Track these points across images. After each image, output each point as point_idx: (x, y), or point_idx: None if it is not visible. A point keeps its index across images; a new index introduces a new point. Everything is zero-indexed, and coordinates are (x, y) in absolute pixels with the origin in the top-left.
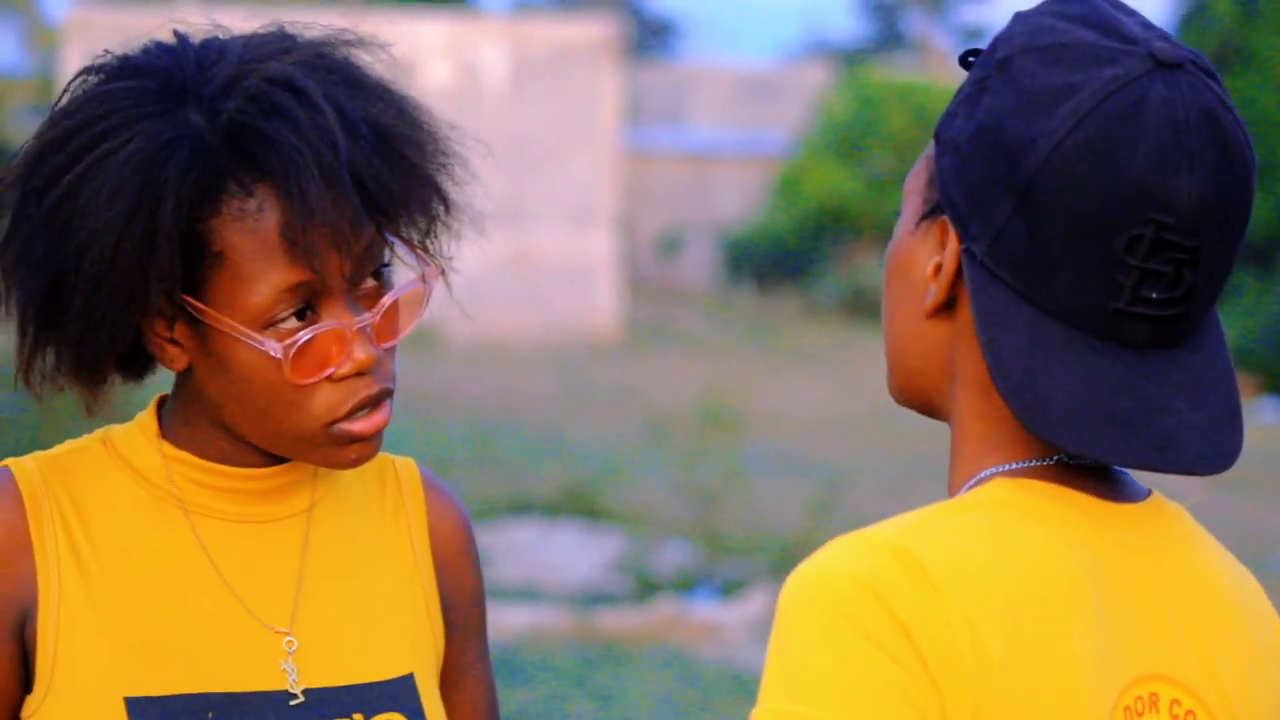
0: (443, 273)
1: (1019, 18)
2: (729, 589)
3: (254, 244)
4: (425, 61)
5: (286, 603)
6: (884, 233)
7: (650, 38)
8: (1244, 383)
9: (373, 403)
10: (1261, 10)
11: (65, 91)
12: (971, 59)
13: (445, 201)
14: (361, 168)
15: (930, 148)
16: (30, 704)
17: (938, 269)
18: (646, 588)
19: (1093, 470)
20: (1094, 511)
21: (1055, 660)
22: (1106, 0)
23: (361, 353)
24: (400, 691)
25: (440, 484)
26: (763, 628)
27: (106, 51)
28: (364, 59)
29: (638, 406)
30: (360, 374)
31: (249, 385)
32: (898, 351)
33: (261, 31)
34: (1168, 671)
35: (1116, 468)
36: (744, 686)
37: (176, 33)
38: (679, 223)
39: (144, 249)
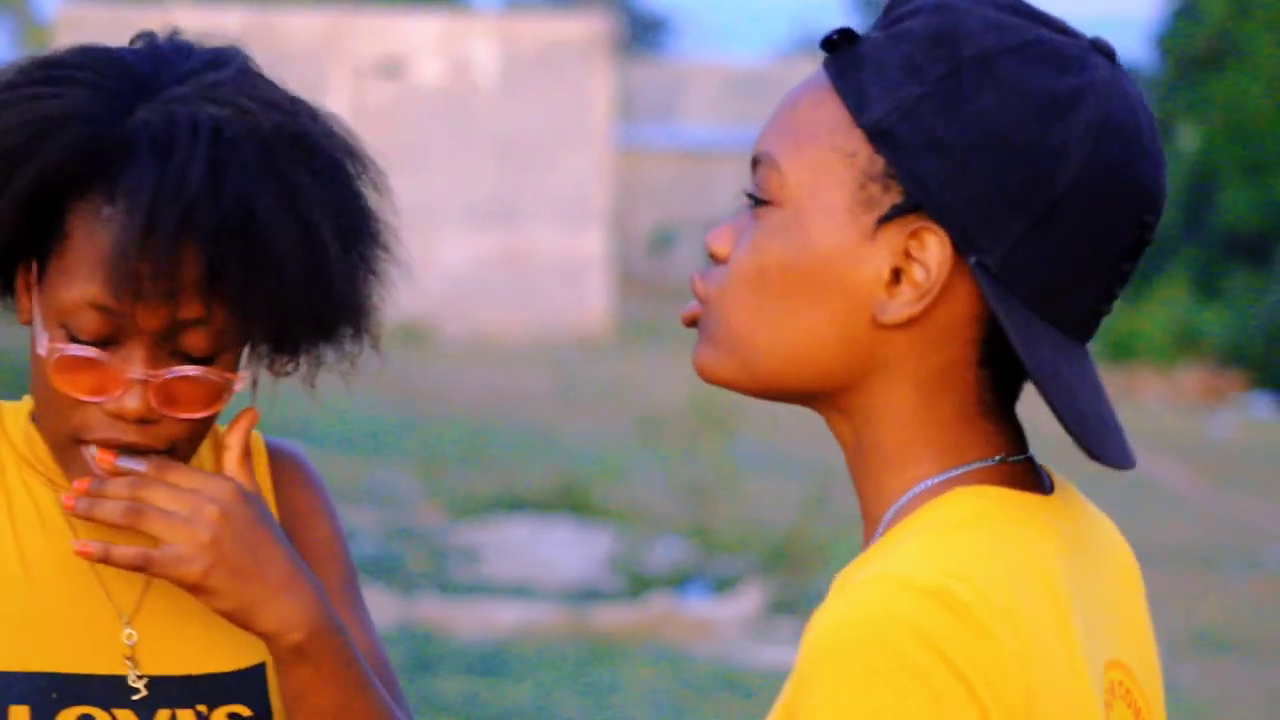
0: (254, 383)
1: (953, 9)
2: (721, 586)
3: (89, 247)
4: (417, 58)
5: (137, 589)
6: None
7: (642, 34)
8: (1235, 378)
9: (125, 449)
10: (1252, 7)
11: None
12: (835, 39)
13: (323, 323)
14: (233, 251)
15: (840, 138)
16: None
17: (896, 275)
18: (639, 585)
19: (1024, 466)
20: (1041, 508)
21: (1072, 671)
22: None
23: (130, 402)
24: (248, 682)
25: (285, 448)
26: (755, 624)
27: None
28: (351, 158)
29: (630, 403)
30: (122, 418)
31: (37, 370)
32: (793, 348)
33: (253, 73)
34: (1119, 656)
35: (1035, 461)
36: (736, 683)
37: (174, 33)
38: (672, 220)
39: (1, 194)
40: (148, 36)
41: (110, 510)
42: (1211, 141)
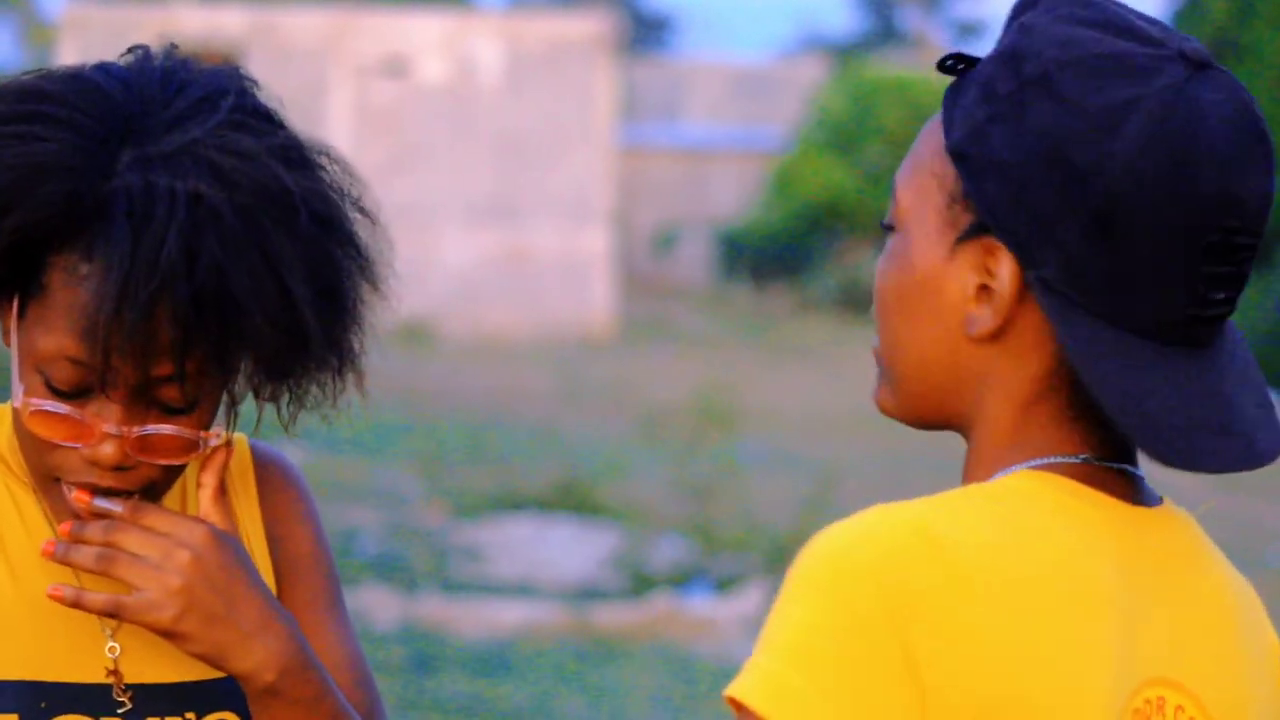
0: (228, 444)
1: (1031, 29)
2: (724, 585)
3: (65, 302)
4: (421, 57)
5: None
6: (879, 229)
7: (646, 33)
8: None
9: (101, 491)
10: (1256, 4)
11: (72, 69)
12: (956, 64)
13: (301, 377)
14: (179, 309)
15: (936, 163)
16: None
17: (981, 292)
18: (641, 584)
19: (1115, 471)
20: (1114, 512)
21: (1066, 652)
22: None
23: (104, 451)
24: (236, 688)
25: (269, 452)
26: (758, 623)
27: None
28: (339, 203)
29: (633, 402)
30: (97, 464)
31: (19, 407)
32: (919, 369)
33: (250, 99)
34: (1175, 677)
35: (1136, 471)
36: None
37: (170, 47)
38: (674, 218)
39: None
40: (142, 54)
41: (84, 556)
42: None
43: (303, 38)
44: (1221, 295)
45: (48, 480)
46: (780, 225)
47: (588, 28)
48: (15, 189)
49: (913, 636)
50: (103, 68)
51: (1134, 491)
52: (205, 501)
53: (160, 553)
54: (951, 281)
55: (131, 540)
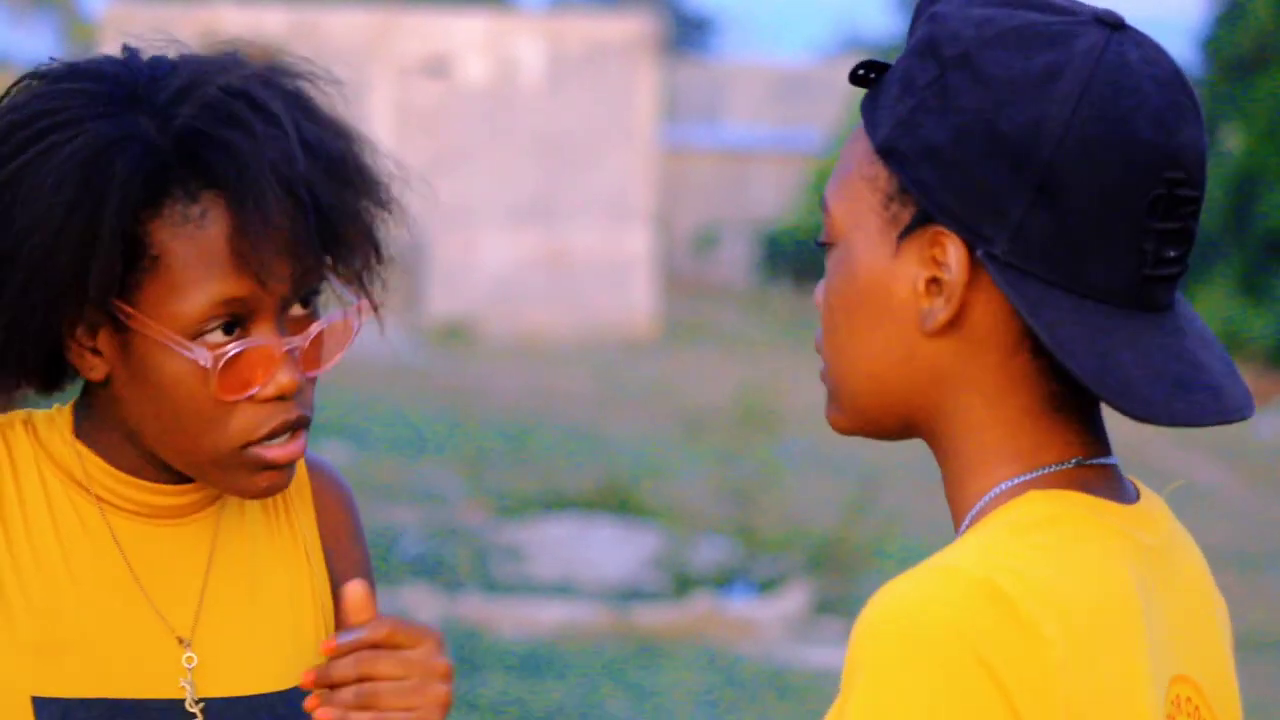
0: (375, 309)
1: (943, 16)
2: (765, 586)
3: (194, 251)
4: (462, 58)
5: (191, 608)
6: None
7: (687, 34)
8: (1275, 378)
9: (290, 428)
10: None
11: (7, 93)
12: (867, 73)
13: (378, 243)
14: (316, 185)
15: (866, 167)
16: None
17: (931, 284)
18: (683, 584)
19: (1103, 472)
20: (1117, 516)
21: (1124, 671)
22: None
23: (286, 377)
24: (298, 699)
25: (323, 464)
26: (799, 624)
27: (52, 59)
28: (314, 90)
29: (674, 403)
30: (281, 398)
31: (170, 397)
32: (872, 380)
33: (213, 53)
34: (1187, 671)
35: (1116, 462)
36: (781, 683)
37: (126, 46)
38: (715, 219)
39: (85, 243)
40: (95, 58)
41: (345, 696)
42: (1255, 144)
43: (344, 38)
44: (1172, 253)
45: (232, 460)
46: (820, 226)
47: (629, 28)
48: (93, 175)
49: (1010, 690)
50: (87, 59)
51: (1121, 488)
52: (403, 626)
53: (419, 671)
54: (900, 280)
55: (385, 667)
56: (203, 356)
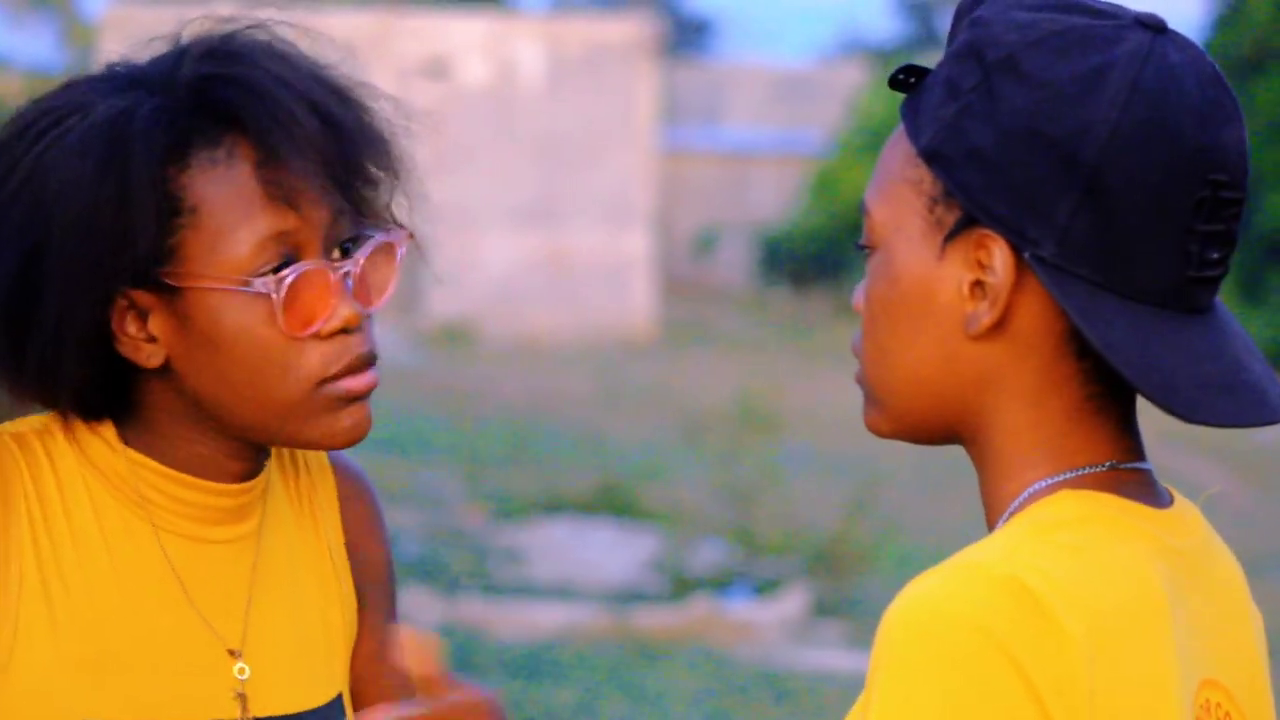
0: (411, 237)
1: (985, 21)
2: (764, 588)
3: (229, 193)
4: (462, 59)
5: (239, 619)
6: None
7: (687, 36)
8: None
9: (362, 363)
10: None
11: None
12: (907, 78)
13: (398, 165)
14: (332, 107)
15: (910, 170)
16: None
17: (975, 287)
18: (682, 587)
19: (1137, 476)
20: (1149, 519)
21: (1156, 680)
22: None
23: (346, 309)
24: (332, 716)
25: (347, 461)
26: (798, 627)
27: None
28: (301, 44)
29: (673, 405)
30: (346, 331)
31: (240, 348)
32: (914, 384)
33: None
34: (1214, 675)
35: (1150, 468)
36: (779, 685)
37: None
38: (715, 222)
39: (122, 197)
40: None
41: None
42: (1255, 146)
43: (343, 39)
44: (1215, 255)
45: (308, 403)
46: (820, 229)
47: (629, 30)
48: (115, 135)
49: (1036, 685)
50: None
51: (1154, 493)
52: (454, 690)
53: None
54: (944, 284)
55: None
56: (265, 284)
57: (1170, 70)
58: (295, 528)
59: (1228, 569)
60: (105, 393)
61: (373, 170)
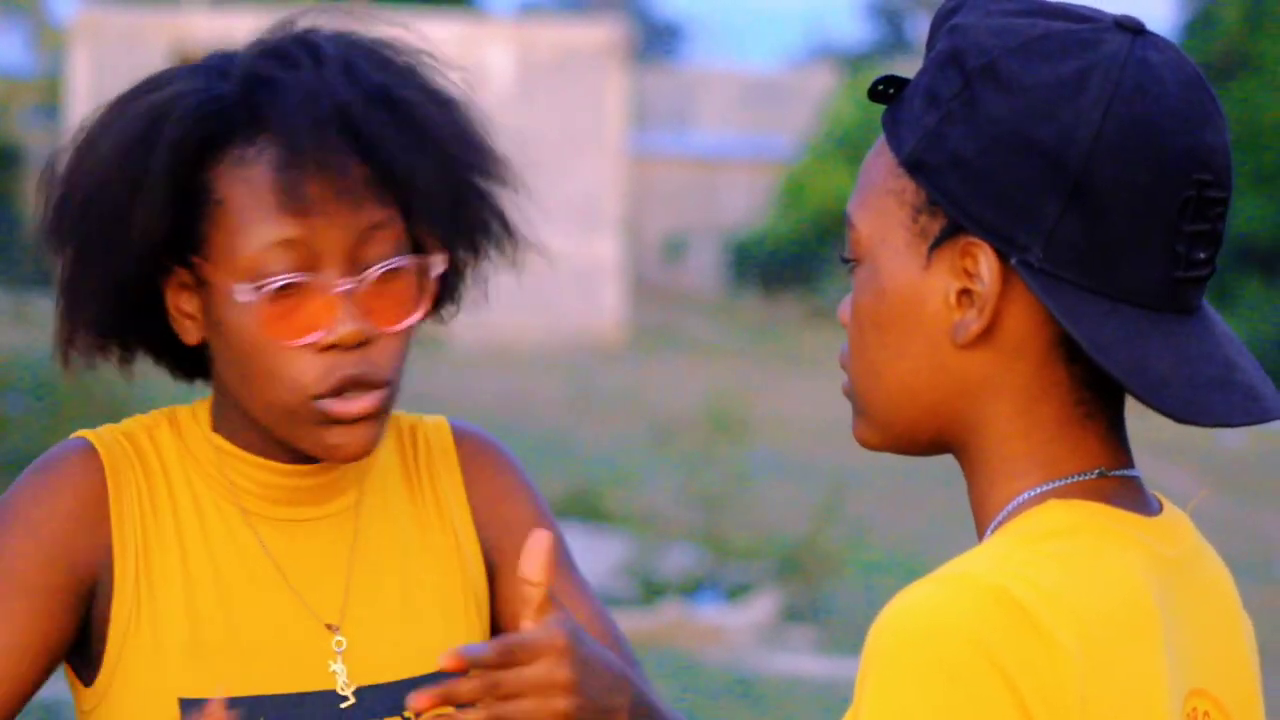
0: (452, 264)
1: (964, 28)
2: (734, 593)
3: (248, 191)
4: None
5: (338, 600)
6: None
7: (656, 41)
8: None
9: (355, 385)
10: (1265, 19)
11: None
12: (887, 88)
13: (483, 198)
14: (371, 123)
15: (892, 181)
16: (89, 698)
17: (962, 296)
18: (652, 591)
19: (1126, 483)
20: (1137, 527)
21: (1147, 689)
22: None
23: (345, 326)
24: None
25: (472, 433)
26: (768, 631)
27: None
28: (411, 58)
29: (643, 410)
30: (341, 348)
31: (236, 344)
32: (903, 395)
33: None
34: (1203, 684)
35: (1138, 475)
36: (749, 690)
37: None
38: (684, 226)
39: (131, 184)
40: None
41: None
42: None
43: None
44: (1202, 255)
45: (306, 416)
46: (790, 234)
47: (598, 35)
48: (151, 121)
49: (1024, 695)
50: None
51: (1143, 501)
52: (538, 610)
53: (539, 689)
54: (931, 293)
55: (503, 686)
56: (242, 290)
57: (1151, 71)
58: (408, 501)
59: (1217, 577)
60: (180, 360)
61: (424, 198)
